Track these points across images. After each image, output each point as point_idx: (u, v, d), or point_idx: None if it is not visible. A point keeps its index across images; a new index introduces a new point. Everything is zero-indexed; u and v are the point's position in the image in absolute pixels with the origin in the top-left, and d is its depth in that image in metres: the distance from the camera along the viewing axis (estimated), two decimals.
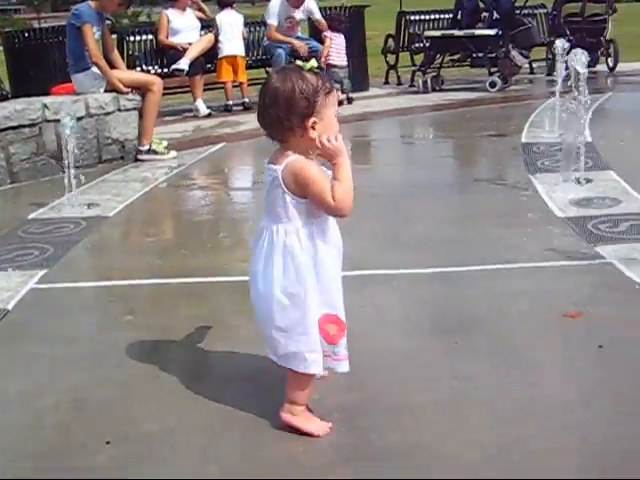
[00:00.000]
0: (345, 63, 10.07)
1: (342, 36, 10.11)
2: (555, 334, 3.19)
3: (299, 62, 2.44)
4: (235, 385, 2.87)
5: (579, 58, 5.44)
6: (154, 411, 2.73)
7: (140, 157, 7.22)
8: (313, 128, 2.37)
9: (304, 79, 2.36)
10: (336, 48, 10.01)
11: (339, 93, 9.55)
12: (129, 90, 7.20)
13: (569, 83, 5.59)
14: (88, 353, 3.25)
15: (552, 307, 3.41)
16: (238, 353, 3.13)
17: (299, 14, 10.26)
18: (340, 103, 9.69)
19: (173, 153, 7.34)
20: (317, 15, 10.39)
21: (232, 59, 10.00)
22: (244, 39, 10.29)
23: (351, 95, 10.18)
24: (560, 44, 7.24)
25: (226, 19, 10.06)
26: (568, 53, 5.98)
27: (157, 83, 7.42)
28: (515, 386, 2.75)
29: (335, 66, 9.92)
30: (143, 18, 38.79)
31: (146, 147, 7.25)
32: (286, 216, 2.41)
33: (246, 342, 3.11)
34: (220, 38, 9.99)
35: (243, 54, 10.17)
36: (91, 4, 7.08)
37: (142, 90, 7.27)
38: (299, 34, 10.43)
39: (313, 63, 2.43)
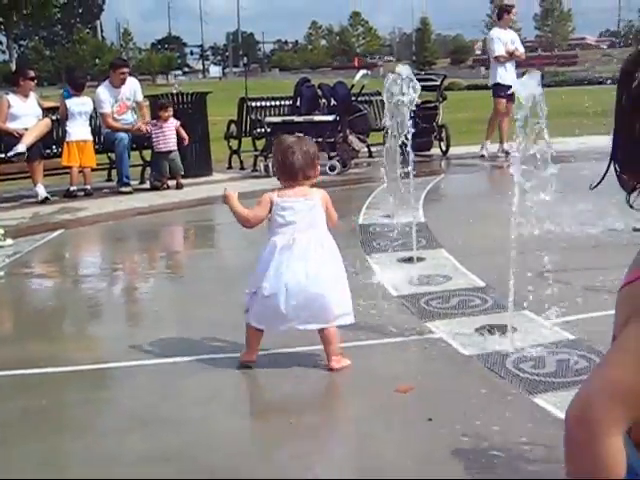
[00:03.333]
0: (174, 148, 10.20)
1: (172, 122, 10.26)
2: (388, 408, 3.27)
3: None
4: None
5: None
6: None
7: None
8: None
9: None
10: (164, 135, 10.14)
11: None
12: None
13: (405, 166, 5.87)
14: None
15: (385, 383, 3.51)
16: (65, 445, 3.05)
17: (125, 94, 10.43)
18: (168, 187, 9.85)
19: (9, 241, 7.12)
20: (139, 97, 10.69)
21: (80, 144, 9.91)
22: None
23: (181, 181, 10.28)
24: (392, 129, 7.58)
25: (76, 104, 10.05)
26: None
27: None
28: (349, 459, 2.80)
29: (163, 152, 10.04)
30: None
31: None
32: (323, 225, 3.73)
33: (79, 434, 3.03)
34: (68, 123, 9.93)
35: (91, 139, 10.12)
36: None
37: None
38: (130, 115, 10.55)
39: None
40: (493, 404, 3.28)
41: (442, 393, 3.39)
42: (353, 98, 11.42)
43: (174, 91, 11.76)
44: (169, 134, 10.14)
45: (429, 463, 2.78)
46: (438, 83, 12.82)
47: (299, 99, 11.54)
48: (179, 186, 10.16)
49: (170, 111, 10.29)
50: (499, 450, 2.83)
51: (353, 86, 11.53)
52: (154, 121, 10.31)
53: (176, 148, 10.21)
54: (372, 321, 4.36)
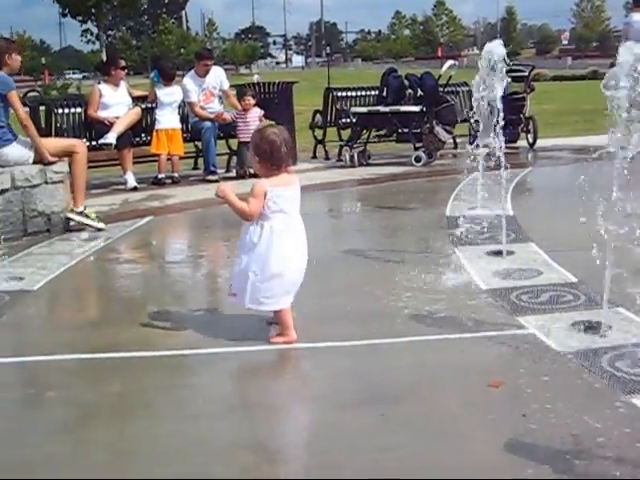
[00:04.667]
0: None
1: (255, 111, 10.26)
2: (479, 404, 3.24)
3: None
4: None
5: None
6: None
7: (71, 216, 7.18)
8: None
9: None
10: (246, 125, 10.11)
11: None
12: (55, 159, 7.17)
13: (492, 158, 5.78)
14: (9, 431, 3.17)
15: (476, 377, 3.47)
16: (161, 429, 3.10)
17: (211, 83, 10.51)
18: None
19: (102, 225, 7.30)
20: (225, 86, 10.74)
21: (169, 132, 10.07)
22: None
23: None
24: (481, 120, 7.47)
25: (166, 93, 10.21)
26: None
27: (79, 144, 7.49)
28: (442, 455, 2.77)
29: (244, 142, 10.00)
30: (72, 90, 38.65)
31: (80, 209, 7.24)
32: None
33: (169, 418, 3.08)
34: (158, 111, 10.11)
35: (179, 127, 10.27)
36: (3, 72, 7.07)
37: (68, 155, 7.27)
38: (217, 103, 10.63)
39: None
40: (587, 402, 3.21)
41: (534, 389, 3.33)
42: (440, 89, 11.30)
43: (254, 81, 11.82)
44: (251, 124, 10.13)
45: (527, 461, 2.73)
46: (526, 74, 12.59)
47: (385, 89, 11.48)
48: (245, 175, 10.21)
49: (249, 99, 10.24)
50: (593, 450, 2.77)
51: (440, 77, 11.41)
52: (239, 110, 10.37)
53: None
54: (462, 315, 4.32)
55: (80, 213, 7.24)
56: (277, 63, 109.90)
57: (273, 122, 4.07)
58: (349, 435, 2.99)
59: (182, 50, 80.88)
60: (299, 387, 3.51)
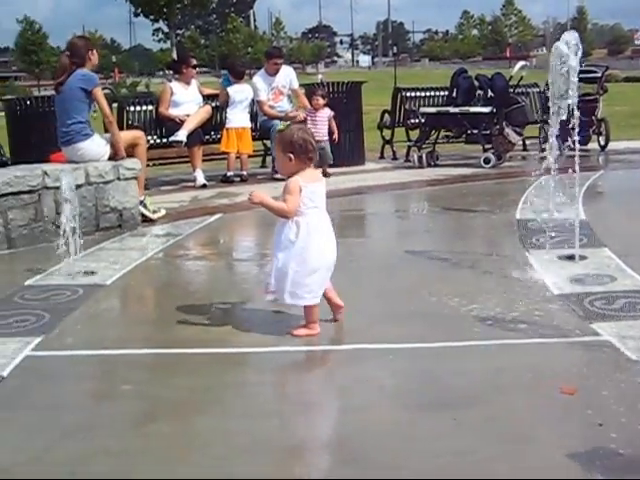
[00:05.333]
0: (325, 138, 10.10)
1: (326, 112, 10.22)
2: (552, 410, 3.19)
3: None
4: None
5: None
6: None
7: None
8: None
9: None
10: (314, 125, 10.01)
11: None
12: (124, 155, 7.33)
13: (562, 161, 5.69)
14: (84, 423, 3.23)
15: (549, 383, 3.42)
16: (231, 425, 3.12)
17: (280, 82, 10.53)
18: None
19: (156, 216, 7.47)
20: (295, 85, 10.72)
21: (239, 131, 10.15)
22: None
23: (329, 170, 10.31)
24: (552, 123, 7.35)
25: (237, 91, 10.29)
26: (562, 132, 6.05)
27: (141, 136, 7.76)
28: (515, 460, 2.74)
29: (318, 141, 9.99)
30: (141, 88, 39.31)
31: (141, 197, 7.45)
32: None
33: (239, 415, 3.10)
34: (228, 110, 10.19)
35: (249, 126, 10.33)
36: (87, 69, 7.24)
37: (132, 147, 7.51)
38: (286, 102, 10.66)
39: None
40: None
41: (608, 398, 3.26)
42: (511, 90, 11.18)
43: (318, 81, 11.83)
44: (320, 124, 10.12)
45: (604, 470, 2.68)
46: (599, 75, 12.38)
47: (455, 90, 11.40)
48: (326, 174, 10.20)
49: (318, 99, 10.20)
50: None
51: (511, 77, 11.29)
52: (308, 109, 10.38)
53: (327, 138, 10.14)
54: (534, 319, 4.25)
55: (140, 203, 7.43)
56: (333, 62, 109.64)
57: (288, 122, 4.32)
58: (422, 438, 2.98)
59: (249, 49, 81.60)
60: (369, 388, 3.49)
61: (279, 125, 4.29)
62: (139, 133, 7.84)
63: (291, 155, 4.02)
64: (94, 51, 7.34)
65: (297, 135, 4.03)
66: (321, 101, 10.22)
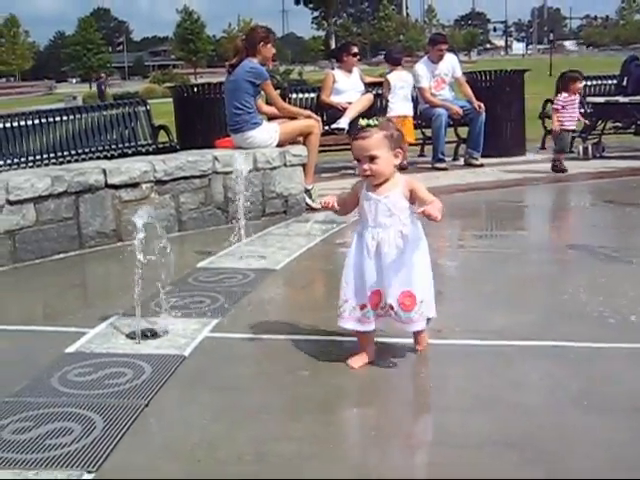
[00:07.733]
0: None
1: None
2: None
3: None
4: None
5: None
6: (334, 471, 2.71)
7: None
8: None
9: None
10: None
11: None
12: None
13: None
14: (265, 406, 3.27)
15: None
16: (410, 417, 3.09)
17: (443, 70, 10.37)
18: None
19: (318, 205, 7.52)
20: (458, 73, 10.50)
21: (400, 119, 10.09)
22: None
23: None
24: None
25: (396, 79, 10.23)
26: None
27: (315, 125, 7.74)
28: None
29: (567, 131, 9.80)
30: (294, 76, 39.93)
31: (309, 186, 7.56)
32: None
33: (419, 408, 3.04)
34: (390, 98, 10.15)
35: (412, 114, 10.26)
36: (254, 60, 7.35)
37: (304, 135, 7.63)
38: (447, 91, 10.49)
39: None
40: None
41: None
42: None
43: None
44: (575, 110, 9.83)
45: None
46: None
47: (626, 79, 10.93)
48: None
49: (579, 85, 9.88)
50: None
51: None
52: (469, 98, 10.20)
53: None
54: None
55: (306, 191, 7.51)
56: (494, 49, 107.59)
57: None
58: (604, 442, 2.86)
59: (401, 37, 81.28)
60: (542, 385, 3.39)
61: (366, 122, 3.68)
62: (312, 123, 7.78)
63: (401, 150, 3.54)
64: (268, 45, 7.45)
65: (398, 129, 3.58)
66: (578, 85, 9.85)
